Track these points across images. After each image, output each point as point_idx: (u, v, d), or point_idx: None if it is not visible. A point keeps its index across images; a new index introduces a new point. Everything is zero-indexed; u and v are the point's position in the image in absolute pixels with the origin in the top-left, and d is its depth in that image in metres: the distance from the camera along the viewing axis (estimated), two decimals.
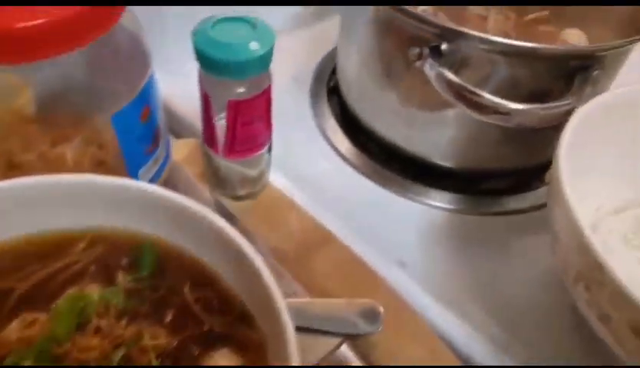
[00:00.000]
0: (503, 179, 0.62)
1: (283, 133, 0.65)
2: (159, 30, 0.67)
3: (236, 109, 0.46)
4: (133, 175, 0.44)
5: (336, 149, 0.64)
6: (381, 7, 0.50)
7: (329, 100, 0.70)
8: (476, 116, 0.46)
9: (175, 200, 0.33)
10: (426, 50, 0.49)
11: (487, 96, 0.44)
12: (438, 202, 0.60)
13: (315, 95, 0.70)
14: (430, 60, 0.48)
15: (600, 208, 0.52)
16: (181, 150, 0.58)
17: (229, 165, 0.51)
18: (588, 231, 0.40)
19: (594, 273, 0.40)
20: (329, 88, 0.71)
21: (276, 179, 0.59)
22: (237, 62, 0.43)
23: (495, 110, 0.45)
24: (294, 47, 0.78)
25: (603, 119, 0.48)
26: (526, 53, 0.47)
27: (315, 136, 0.66)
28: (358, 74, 0.61)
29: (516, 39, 0.59)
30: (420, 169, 0.61)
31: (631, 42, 0.47)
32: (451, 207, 0.59)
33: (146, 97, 0.43)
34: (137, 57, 0.42)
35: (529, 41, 0.60)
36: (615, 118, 0.49)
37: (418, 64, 0.50)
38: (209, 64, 0.44)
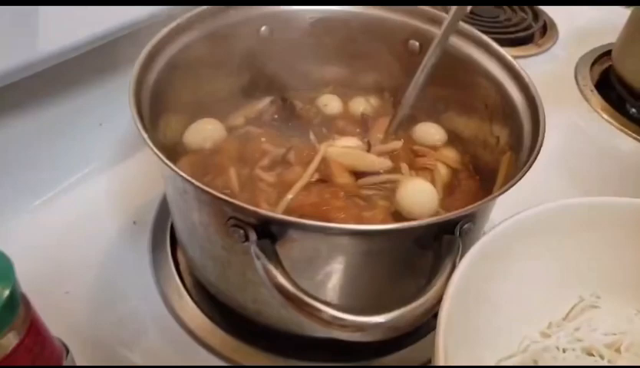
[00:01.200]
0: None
1: (114, 306, 0.52)
2: None
3: None
4: None
5: (182, 323, 0.51)
6: (185, 180, 0.37)
7: (174, 248, 0.57)
8: (320, 328, 0.34)
9: None
10: (252, 234, 0.37)
11: (330, 311, 0.33)
12: None
13: (156, 246, 0.57)
14: (255, 248, 0.36)
15: (501, 361, 0.42)
16: None
17: None
18: None
19: None
20: (174, 232, 0.58)
21: None
22: None
23: (342, 325, 0.33)
24: (134, 180, 0.64)
25: (481, 272, 0.38)
26: (371, 234, 0.36)
27: (155, 305, 0.53)
28: (188, 236, 0.48)
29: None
30: (286, 341, 0.49)
31: (494, 197, 0.37)
32: None
33: None
34: None
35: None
36: (491, 267, 0.39)
37: (246, 244, 0.38)
38: None
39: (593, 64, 0.92)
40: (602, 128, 0.81)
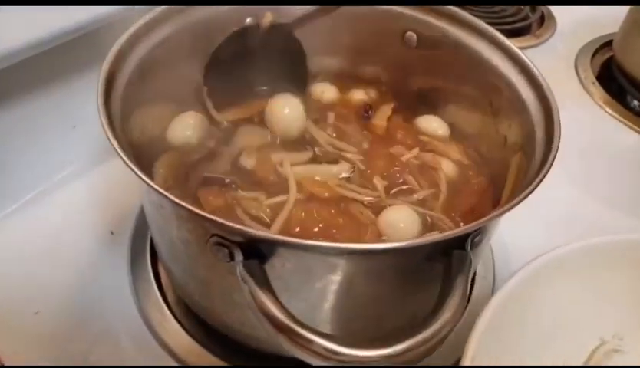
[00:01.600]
0: None
1: (88, 325, 0.47)
2: None
3: None
4: None
5: (163, 344, 0.47)
6: (161, 194, 0.33)
7: (155, 261, 0.52)
8: (315, 361, 0.30)
9: None
10: (238, 254, 0.33)
11: (325, 344, 0.29)
12: None
13: (135, 258, 0.53)
14: (241, 270, 0.32)
15: None
16: None
17: None
18: None
19: None
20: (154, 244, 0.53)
21: None
22: None
23: (339, 360, 0.29)
24: (111, 187, 0.60)
25: (500, 323, 0.35)
26: (374, 253, 0.32)
27: (133, 324, 0.48)
28: (167, 251, 0.44)
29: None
30: (278, 364, 0.44)
31: (505, 211, 0.33)
32: None
33: None
34: None
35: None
36: (510, 315, 0.36)
37: (231, 264, 0.34)
38: None
39: (594, 55, 0.88)
40: (605, 122, 0.78)
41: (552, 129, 0.38)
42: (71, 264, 0.52)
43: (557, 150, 0.37)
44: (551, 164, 0.36)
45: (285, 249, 0.32)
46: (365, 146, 0.51)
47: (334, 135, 0.51)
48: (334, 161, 0.48)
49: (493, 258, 0.55)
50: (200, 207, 0.42)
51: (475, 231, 0.33)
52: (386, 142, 0.51)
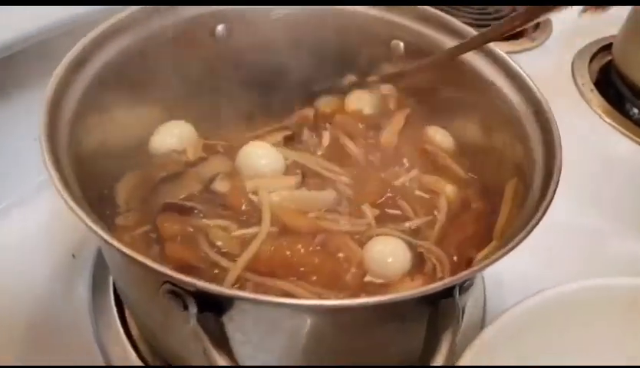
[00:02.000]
0: None
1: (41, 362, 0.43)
2: None
3: None
4: None
5: None
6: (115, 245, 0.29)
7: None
8: None
9: None
10: (192, 305, 0.28)
11: None
12: None
13: (97, 286, 0.48)
14: (195, 325, 0.28)
15: None
16: None
17: None
18: None
19: None
20: None
21: None
22: None
23: None
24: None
25: None
26: (346, 310, 0.27)
27: (92, 360, 0.44)
28: (124, 288, 0.40)
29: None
30: None
31: (500, 258, 0.29)
32: None
33: None
34: None
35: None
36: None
37: (186, 313, 0.30)
38: None
39: (592, 59, 0.84)
40: (603, 132, 0.74)
41: (552, 163, 0.34)
42: (27, 291, 0.48)
43: (557, 185, 0.33)
44: (549, 203, 0.32)
45: (244, 302, 0.28)
46: (357, 168, 0.46)
47: (319, 153, 0.47)
48: (321, 187, 0.44)
49: (483, 283, 0.51)
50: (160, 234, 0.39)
51: (465, 279, 0.29)
52: (383, 159, 0.47)
